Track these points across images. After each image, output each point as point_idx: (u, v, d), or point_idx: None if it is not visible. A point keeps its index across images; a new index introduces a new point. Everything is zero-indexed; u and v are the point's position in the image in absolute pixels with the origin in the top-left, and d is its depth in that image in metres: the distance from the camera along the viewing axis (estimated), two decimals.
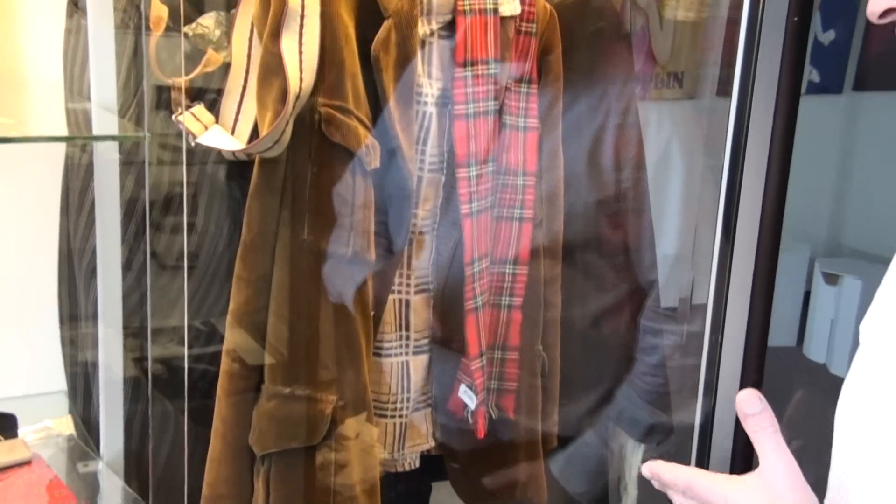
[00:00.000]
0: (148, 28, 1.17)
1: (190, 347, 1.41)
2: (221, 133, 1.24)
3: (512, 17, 1.38)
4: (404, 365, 1.41)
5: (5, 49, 1.38)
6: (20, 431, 1.41)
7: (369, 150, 1.27)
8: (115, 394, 1.39)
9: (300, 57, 1.18)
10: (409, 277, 1.40)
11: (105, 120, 1.14)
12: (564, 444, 1.59)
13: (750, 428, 0.81)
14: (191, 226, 1.42)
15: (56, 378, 1.53)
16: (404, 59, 1.29)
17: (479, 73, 1.34)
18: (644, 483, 1.57)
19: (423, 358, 1.43)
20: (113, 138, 1.12)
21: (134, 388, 1.44)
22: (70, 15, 1.30)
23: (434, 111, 1.34)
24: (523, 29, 1.41)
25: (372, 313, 1.34)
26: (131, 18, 1.27)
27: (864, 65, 2.46)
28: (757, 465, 0.81)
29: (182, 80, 1.19)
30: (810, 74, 2.43)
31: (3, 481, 1.30)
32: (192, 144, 1.20)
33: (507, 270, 1.44)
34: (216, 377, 1.30)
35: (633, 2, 1.85)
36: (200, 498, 1.29)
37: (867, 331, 0.75)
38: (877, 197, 2.38)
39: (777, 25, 1.24)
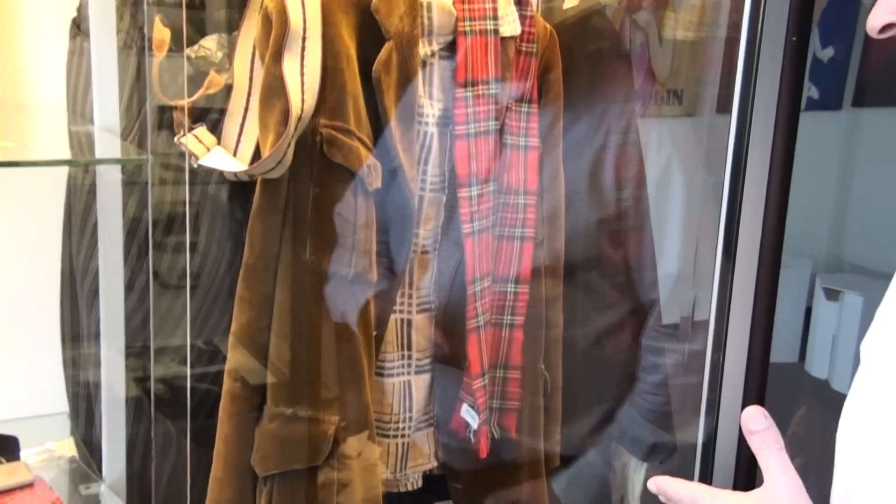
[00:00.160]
0: (150, 50, 1.17)
1: (192, 367, 1.41)
2: (224, 154, 1.24)
3: (512, 38, 1.39)
4: (406, 384, 1.41)
5: (8, 72, 1.39)
6: (22, 454, 1.41)
7: (371, 170, 1.27)
8: (118, 415, 1.39)
9: (302, 79, 1.19)
10: (410, 297, 1.40)
11: (108, 142, 1.14)
12: (567, 463, 1.59)
13: (755, 445, 0.81)
14: (192, 246, 1.43)
15: (58, 400, 1.53)
16: (405, 80, 1.29)
17: (480, 93, 1.35)
18: (647, 502, 1.57)
19: (425, 377, 1.43)
20: (116, 161, 1.13)
21: (136, 409, 1.44)
22: (73, 37, 1.31)
23: (435, 131, 1.35)
24: (523, 49, 1.41)
25: (374, 333, 1.34)
26: (134, 41, 1.27)
27: (863, 81, 2.47)
28: (761, 481, 0.81)
29: (185, 102, 1.19)
30: (809, 91, 2.44)
31: None
32: (195, 166, 1.21)
33: (509, 289, 1.44)
34: (218, 397, 1.30)
35: (633, 20, 1.85)
36: None
37: (868, 350, 0.75)
38: (877, 212, 2.38)
39: (776, 45, 1.24)
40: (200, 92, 1.22)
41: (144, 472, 1.42)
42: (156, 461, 1.36)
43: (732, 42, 1.53)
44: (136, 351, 1.43)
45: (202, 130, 1.23)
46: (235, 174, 1.24)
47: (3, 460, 1.37)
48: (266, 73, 1.21)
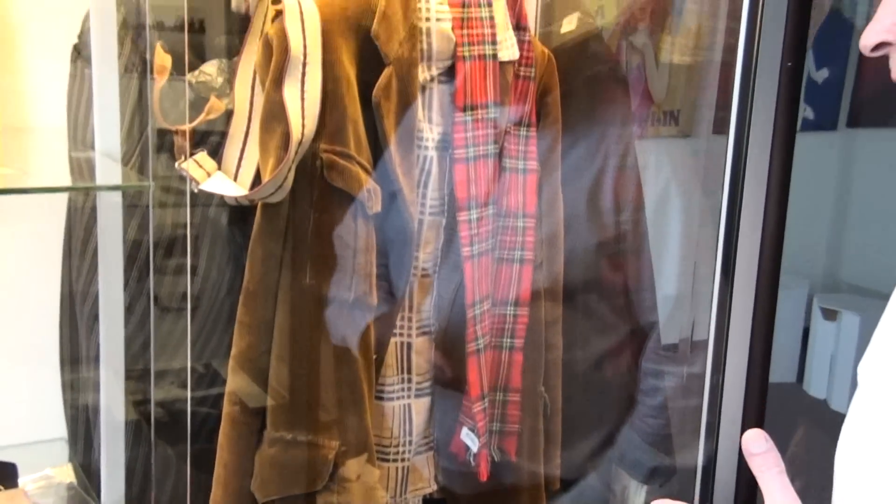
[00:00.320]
0: (152, 76, 1.18)
1: (191, 391, 1.41)
2: (224, 179, 1.25)
3: (511, 62, 1.40)
4: (406, 408, 1.41)
5: (10, 95, 1.39)
6: (20, 480, 1.40)
7: (371, 194, 1.28)
8: (117, 440, 1.38)
9: (302, 104, 1.20)
10: (410, 320, 1.40)
11: (109, 168, 1.15)
12: (567, 486, 1.59)
13: (755, 467, 0.81)
14: (192, 269, 1.43)
15: (56, 425, 1.53)
16: (405, 105, 1.30)
17: (479, 117, 1.35)
18: None
19: (425, 401, 1.43)
20: (117, 188, 1.13)
21: (135, 434, 1.43)
22: (74, 63, 1.32)
23: (434, 155, 1.35)
24: (522, 73, 1.42)
25: (374, 356, 1.34)
26: (135, 66, 1.28)
27: (858, 102, 2.49)
28: None
29: (186, 127, 1.20)
30: (804, 112, 2.45)
31: None
32: (196, 191, 1.21)
33: (508, 312, 1.45)
34: (217, 421, 1.29)
35: (629, 42, 1.87)
36: None
37: (865, 372, 0.75)
38: (873, 232, 2.39)
39: (772, 69, 1.25)
40: (201, 117, 1.22)
41: (144, 499, 1.41)
42: (155, 487, 1.36)
43: (728, 64, 1.54)
44: (135, 374, 1.43)
45: (203, 155, 1.23)
46: (236, 199, 1.24)
47: (2, 487, 1.36)
48: (267, 98, 1.21)
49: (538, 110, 1.46)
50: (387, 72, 1.27)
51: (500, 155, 1.42)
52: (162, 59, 1.21)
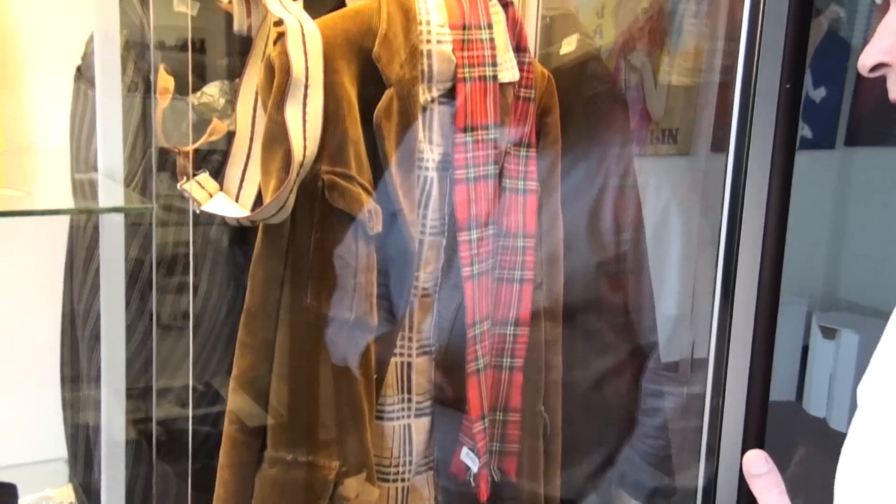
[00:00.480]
0: (155, 98, 1.19)
1: (187, 407, 1.41)
2: (226, 200, 1.25)
3: (511, 83, 1.41)
4: (406, 428, 1.41)
5: (14, 117, 1.40)
6: (20, 501, 1.40)
7: (372, 215, 1.28)
8: (117, 459, 1.38)
9: (304, 126, 1.20)
10: (411, 340, 1.40)
11: (111, 189, 1.15)
12: None
13: (756, 489, 0.81)
14: (194, 288, 1.43)
15: (56, 446, 1.53)
16: (406, 126, 1.31)
17: (479, 138, 1.36)
18: None
19: (425, 421, 1.43)
20: (120, 210, 1.14)
21: (135, 453, 1.43)
22: (77, 85, 1.33)
23: (435, 176, 1.36)
24: (522, 94, 1.43)
25: (374, 376, 1.34)
26: (137, 87, 1.29)
27: (855, 121, 2.50)
28: None
29: (188, 149, 1.21)
30: (802, 130, 2.47)
31: None
32: (198, 212, 1.22)
33: (508, 332, 1.45)
34: (216, 440, 1.29)
35: (628, 61, 1.88)
36: None
37: (865, 394, 0.75)
38: (872, 250, 2.40)
39: (770, 91, 1.26)
40: (203, 139, 1.23)
41: None
42: None
43: (726, 84, 1.55)
44: (135, 393, 1.43)
45: (205, 177, 1.24)
46: (237, 220, 1.25)
47: None
48: (269, 120, 1.22)
49: (538, 131, 1.47)
50: (388, 93, 1.28)
51: (500, 175, 1.43)
52: (165, 80, 1.21)
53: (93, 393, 1.43)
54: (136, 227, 1.32)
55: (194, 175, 1.22)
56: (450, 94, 1.35)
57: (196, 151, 1.25)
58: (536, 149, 1.46)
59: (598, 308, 1.60)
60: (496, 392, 1.46)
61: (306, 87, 1.21)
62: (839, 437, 0.75)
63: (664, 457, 1.55)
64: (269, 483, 1.27)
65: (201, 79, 1.33)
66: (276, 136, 1.21)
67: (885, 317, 0.78)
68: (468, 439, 1.41)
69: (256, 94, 1.27)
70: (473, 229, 1.37)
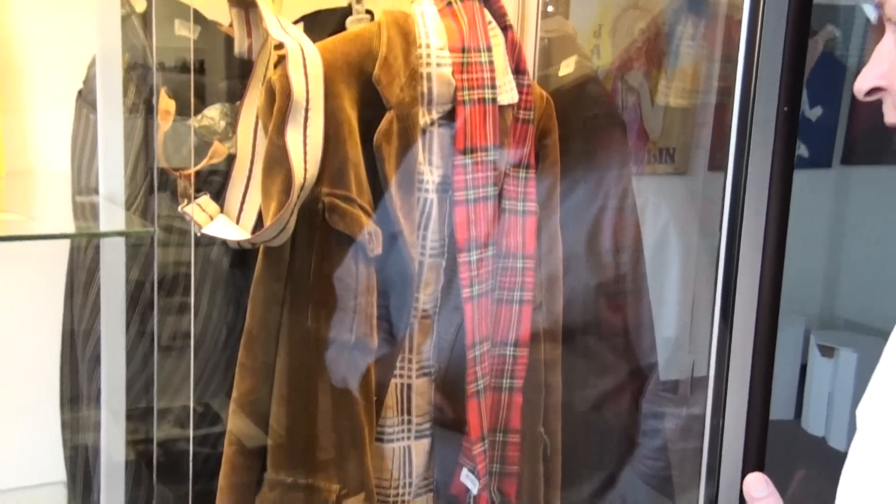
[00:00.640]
0: (155, 120, 1.19)
1: (183, 428, 1.41)
2: (227, 223, 1.26)
3: (510, 105, 1.42)
4: (406, 450, 1.41)
5: (15, 139, 1.41)
6: None
7: (372, 237, 1.28)
8: (117, 481, 1.38)
9: (304, 149, 1.21)
10: (410, 361, 1.40)
11: (112, 213, 1.16)
12: None
13: None
14: (192, 309, 1.43)
15: (55, 469, 1.52)
16: (406, 149, 1.31)
17: (479, 159, 1.37)
18: None
19: (425, 442, 1.43)
20: (121, 234, 1.14)
21: (135, 475, 1.43)
22: (78, 108, 1.33)
23: (435, 197, 1.37)
24: (521, 116, 1.44)
25: (374, 398, 1.34)
26: (139, 110, 1.29)
27: (852, 139, 2.52)
28: None
29: (189, 171, 1.21)
30: (799, 149, 2.48)
31: None
32: (199, 234, 1.22)
33: (508, 353, 1.45)
34: (216, 462, 1.29)
35: (625, 80, 1.89)
36: None
37: (864, 416, 0.75)
38: (869, 268, 2.41)
39: (768, 114, 1.27)
40: (204, 161, 1.24)
41: None
42: None
43: (722, 105, 1.56)
44: (134, 414, 1.43)
45: (206, 199, 1.24)
46: (238, 243, 1.25)
47: None
48: (269, 142, 1.22)
49: (537, 152, 1.48)
50: (388, 116, 1.29)
51: (499, 197, 1.43)
52: (166, 104, 1.22)
53: (92, 414, 1.43)
54: (136, 248, 1.33)
55: (195, 197, 1.22)
56: (449, 117, 1.36)
57: (197, 174, 1.26)
58: (535, 170, 1.47)
59: (598, 329, 1.60)
60: (496, 413, 1.46)
61: (307, 110, 1.21)
62: (838, 457, 0.75)
63: (664, 478, 1.55)
64: None
65: (202, 101, 1.34)
66: (277, 159, 1.22)
67: (883, 335, 0.78)
68: (468, 461, 1.41)
69: (257, 117, 1.28)
70: (473, 251, 1.37)
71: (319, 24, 1.50)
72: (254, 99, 1.29)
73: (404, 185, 1.33)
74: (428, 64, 1.32)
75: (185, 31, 1.32)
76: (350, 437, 1.31)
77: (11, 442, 1.54)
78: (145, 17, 1.29)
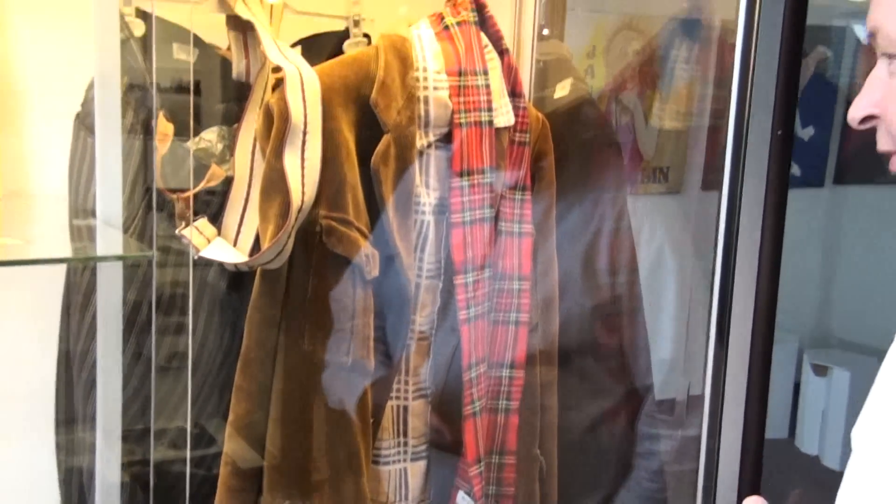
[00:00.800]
0: (154, 143, 1.20)
1: (176, 449, 1.40)
2: (224, 246, 1.26)
3: (506, 128, 1.43)
4: (402, 472, 1.41)
5: (12, 162, 1.41)
6: None
7: (369, 259, 1.29)
8: (111, 502, 1.37)
9: (302, 172, 1.21)
10: (407, 383, 1.40)
11: (110, 236, 1.16)
12: None
13: None
14: (185, 329, 1.43)
15: (50, 492, 1.51)
16: (403, 171, 1.32)
17: (475, 182, 1.37)
18: None
19: (422, 464, 1.43)
20: (119, 258, 1.14)
21: (130, 497, 1.42)
22: (76, 132, 1.33)
23: (431, 219, 1.37)
24: (517, 138, 1.45)
25: (371, 420, 1.34)
26: (137, 133, 1.30)
27: (844, 159, 2.53)
28: None
29: (187, 195, 1.21)
30: (791, 169, 2.50)
31: None
32: (196, 258, 1.22)
33: (504, 374, 1.45)
34: (209, 482, 1.29)
35: (619, 100, 1.90)
36: None
37: (859, 438, 0.76)
38: (862, 287, 2.42)
39: (762, 138, 1.28)
40: (202, 184, 1.24)
41: None
42: None
43: (716, 125, 1.57)
44: (128, 436, 1.42)
45: (203, 222, 1.24)
46: (235, 265, 1.25)
47: None
48: (267, 166, 1.23)
49: (533, 174, 1.49)
50: (385, 139, 1.30)
51: (495, 218, 1.44)
52: (164, 127, 1.22)
53: (87, 436, 1.42)
54: (133, 268, 1.32)
55: (193, 220, 1.22)
56: (446, 139, 1.37)
57: (194, 196, 1.26)
58: (531, 192, 1.47)
59: (594, 350, 1.61)
60: (492, 435, 1.46)
61: (305, 133, 1.22)
62: (832, 476, 0.75)
63: (660, 500, 1.55)
64: None
65: (199, 124, 1.34)
66: (275, 182, 1.22)
67: (876, 354, 0.78)
68: (464, 483, 1.41)
69: (255, 139, 1.28)
70: (469, 272, 1.38)
71: (317, 48, 1.50)
72: (251, 122, 1.29)
73: (401, 207, 1.33)
74: (425, 87, 1.33)
75: (184, 55, 1.33)
76: (346, 459, 1.31)
77: (6, 464, 1.53)
78: (143, 41, 1.30)
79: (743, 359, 1.31)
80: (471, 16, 1.38)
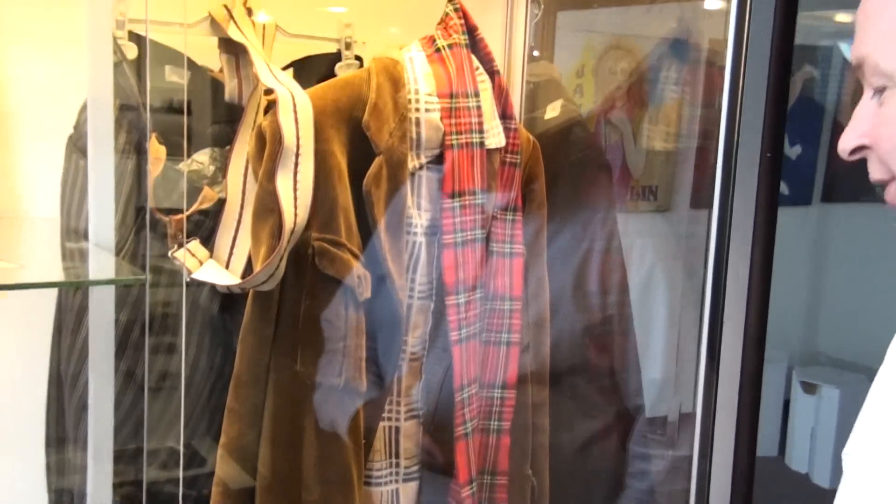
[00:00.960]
0: (147, 166, 1.20)
1: (169, 471, 1.39)
2: (216, 268, 1.26)
3: (497, 149, 1.43)
4: (394, 493, 1.40)
5: (3, 187, 1.40)
6: None
7: (361, 281, 1.29)
8: None
9: (295, 194, 1.22)
10: (399, 404, 1.40)
11: (102, 260, 1.15)
12: None
13: None
14: (176, 349, 1.42)
15: None
16: (395, 193, 1.33)
17: (467, 203, 1.38)
18: None
19: (413, 485, 1.43)
20: (110, 282, 1.14)
21: None
22: (68, 154, 1.33)
23: (423, 240, 1.38)
24: (508, 160, 1.45)
25: (363, 441, 1.34)
26: (129, 155, 1.30)
27: (831, 177, 2.55)
28: None
29: (180, 217, 1.21)
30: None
31: None
32: (188, 280, 1.22)
33: (496, 395, 1.45)
34: (197, 502, 1.28)
35: (608, 120, 1.92)
36: None
37: (851, 458, 0.76)
38: (850, 305, 2.44)
39: (751, 161, 1.29)
40: (194, 207, 1.24)
41: None
42: None
43: (704, 145, 1.58)
44: (119, 457, 1.42)
45: (195, 244, 1.24)
46: (228, 287, 1.25)
47: None
48: (260, 188, 1.23)
49: (524, 195, 1.49)
50: (377, 161, 1.30)
51: (486, 239, 1.44)
52: (156, 150, 1.23)
53: (78, 457, 1.41)
54: (126, 289, 1.32)
55: (185, 242, 1.22)
56: (437, 161, 1.37)
57: (187, 218, 1.26)
58: (522, 213, 1.48)
59: (585, 370, 1.61)
60: (484, 455, 1.46)
61: (297, 155, 1.22)
62: (822, 493, 0.76)
63: None
64: None
65: (190, 145, 1.34)
66: (267, 204, 1.23)
67: (865, 371, 0.79)
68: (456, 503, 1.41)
69: (247, 161, 1.29)
70: (461, 293, 1.38)
71: (309, 70, 1.51)
72: (244, 144, 1.30)
73: (393, 228, 1.34)
74: (417, 109, 1.34)
75: (176, 77, 1.33)
76: (338, 480, 1.30)
77: None
78: (136, 64, 1.30)
79: (734, 377, 1.32)
80: (462, 38, 1.39)
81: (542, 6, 1.69)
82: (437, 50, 1.38)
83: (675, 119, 1.92)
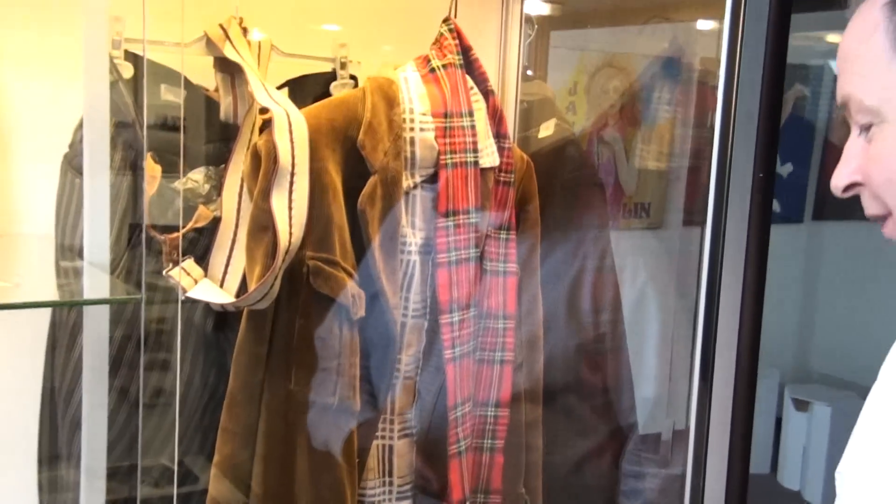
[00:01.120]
0: (144, 185, 1.20)
1: (161, 488, 1.39)
2: (211, 286, 1.26)
3: (491, 168, 1.44)
4: None
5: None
6: None
7: (355, 300, 1.29)
8: None
9: (290, 213, 1.22)
10: (392, 423, 1.40)
11: (97, 279, 1.15)
12: None
13: None
14: (170, 366, 1.42)
15: None
16: (389, 212, 1.33)
17: (461, 222, 1.39)
18: None
19: None
20: (105, 301, 1.14)
21: None
22: (63, 173, 1.34)
23: (417, 259, 1.38)
24: (502, 179, 1.46)
25: (357, 460, 1.34)
26: (124, 174, 1.30)
27: (823, 195, 2.56)
28: None
29: (174, 236, 1.22)
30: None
31: None
32: (183, 298, 1.22)
33: (489, 413, 1.46)
34: None
35: (601, 137, 1.93)
36: None
37: (844, 478, 0.76)
38: (841, 322, 2.44)
39: (744, 180, 1.30)
40: (189, 225, 1.25)
41: None
42: None
43: (696, 164, 1.59)
44: (111, 473, 1.41)
45: (190, 263, 1.25)
46: (222, 305, 1.25)
47: None
48: (255, 207, 1.24)
49: (518, 214, 1.50)
50: (372, 180, 1.31)
51: (480, 258, 1.45)
52: (151, 169, 1.23)
53: (71, 474, 1.41)
54: (120, 307, 1.32)
55: (180, 261, 1.23)
56: (432, 180, 1.38)
57: (181, 237, 1.27)
58: (516, 231, 1.49)
59: (578, 388, 1.61)
60: (477, 474, 1.46)
61: (292, 174, 1.23)
62: None
63: None
64: None
65: (186, 164, 1.35)
66: (262, 223, 1.23)
67: (857, 389, 0.80)
68: None
69: (242, 180, 1.29)
70: (455, 312, 1.38)
71: (304, 89, 1.52)
72: (239, 163, 1.30)
73: (387, 247, 1.34)
74: (411, 129, 1.34)
75: (172, 96, 1.34)
76: (332, 499, 1.30)
77: None
78: (132, 83, 1.31)
79: (727, 395, 1.32)
80: (456, 58, 1.40)
81: (536, 26, 1.71)
82: (432, 70, 1.39)
83: (667, 137, 1.93)
